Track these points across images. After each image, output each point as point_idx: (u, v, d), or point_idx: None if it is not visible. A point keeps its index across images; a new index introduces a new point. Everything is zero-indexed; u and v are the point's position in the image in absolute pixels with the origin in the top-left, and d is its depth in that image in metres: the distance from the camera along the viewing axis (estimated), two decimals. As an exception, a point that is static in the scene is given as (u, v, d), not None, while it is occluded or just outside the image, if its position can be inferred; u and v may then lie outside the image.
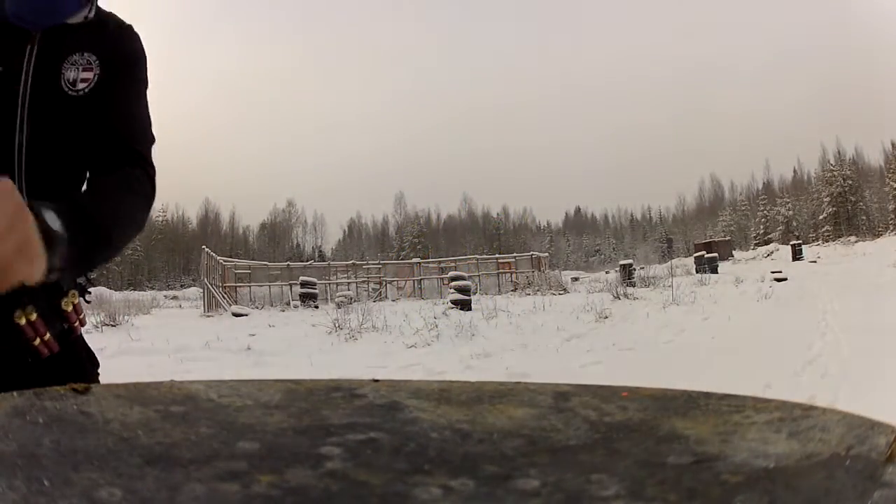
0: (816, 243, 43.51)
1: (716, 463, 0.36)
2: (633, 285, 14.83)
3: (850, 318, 6.92)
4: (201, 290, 16.68)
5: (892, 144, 46.04)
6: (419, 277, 19.70)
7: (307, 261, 30.38)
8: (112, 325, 9.41)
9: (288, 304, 15.74)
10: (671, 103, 71.01)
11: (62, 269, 0.61)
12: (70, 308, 0.81)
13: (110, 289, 28.64)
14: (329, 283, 18.91)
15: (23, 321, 0.73)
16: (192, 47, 78.00)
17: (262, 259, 19.76)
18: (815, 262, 26.59)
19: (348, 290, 17.35)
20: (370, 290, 18.71)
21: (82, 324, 0.84)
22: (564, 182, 68.99)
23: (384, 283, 19.54)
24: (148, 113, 0.91)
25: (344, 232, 60.90)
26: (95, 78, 0.83)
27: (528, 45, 79.09)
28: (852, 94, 56.18)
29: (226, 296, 15.37)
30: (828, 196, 47.60)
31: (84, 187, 0.84)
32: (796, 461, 0.35)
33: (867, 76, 56.24)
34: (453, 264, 20.23)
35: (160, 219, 54.77)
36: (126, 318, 9.99)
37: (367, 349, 6.90)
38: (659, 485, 0.33)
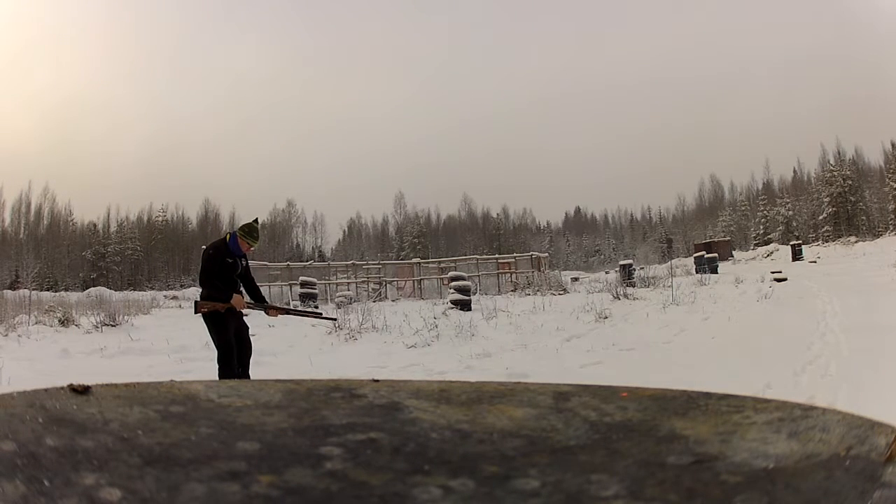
0: (816, 243, 43.43)
1: (715, 463, 0.36)
2: (633, 285, 14.82)
3: (850, 318, 6.92)
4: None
5: (892, 144, 46.01)
6: (419, 277, 19.70)
7: (307, 261, 30.37)
8: (112, 325, 9.39)
9: (288, 304, 15.74)
10: (671, 105, 70.95)
11: (250, 304, 4.39)
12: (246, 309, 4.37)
13: (110, 289, 28.64)
14: (329, 283, 18.92)
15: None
16: (192, 50, 77.98)
17: (261, 259, 19.74)
18: (814, 262, 26.59)
19: (348, 290, 17.35)
20: (370, 290, 18.71)
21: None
22: (564, 182, 68.84)
23: (384, 283, 19.54)
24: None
25: (344, 232, 60.74)
26: (245, 263, 4.38)
27: (528, 46, 79.10)
28: (852, 95, 56.11)
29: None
30: (828, 196, 47.53)
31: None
32: (796, 461, 0.35)
33: (868, 77, 56.18)
34: (453, 264, 20.23)
35: (160, 219, 54.72)
36: (126, 318, 9.96)
37: (367, 349, 6.90)
38: (659, 485, 0.33)
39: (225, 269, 4.22)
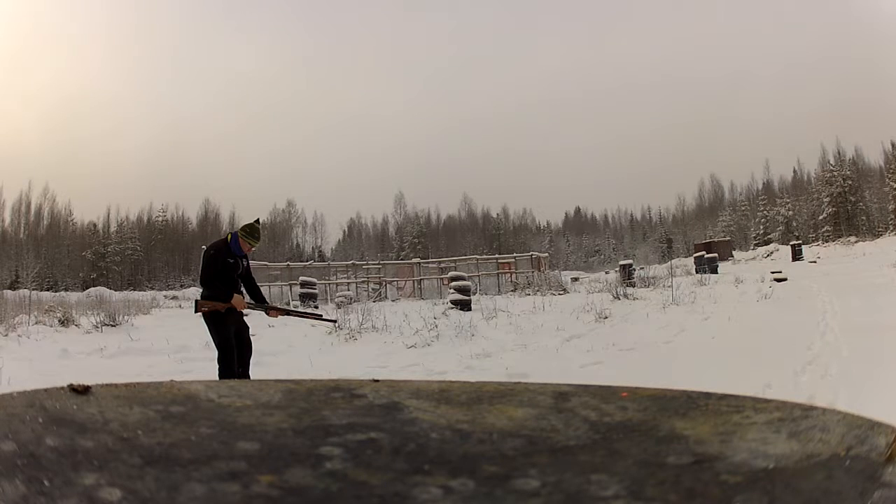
0: (816, 243, 43.41)
1: (715, 463, 0.36)
2: (633, 285, 14.82)
3: (850, 318, 6.92)
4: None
5: (893, 144, 46.00)
6: (419, 277, 19.70)
7: (307, 261, 30.37)
8: (112, 325, 9.38)
9: (288, 304, 15.74)
10: (671, 105, 70.97)
11: (250, 304, 4.39)
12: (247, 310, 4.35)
13: (110, 289, 28.63)
14: (329, 283, 18.92)
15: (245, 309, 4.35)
16: (193, 50, 78.05)
17: (261, 259, 19.72)
18: (814, 262, 26.57)
19: (348, 290, 17.35)
20: (370, 290, 18.71)
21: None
22: (564, 182, 68.87)
23: (384, 283, 19.54)
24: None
25: (344, 232, 60.71)
26: (246, 263, 4.37)
27: (529, 47, 79.18)
28: (852, 95, 56.15)
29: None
30: (828, 196, 47.50)
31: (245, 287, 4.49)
32: (796, 461, 0.36)
33: (868, 77, 56.20)
34: (453, 264, 20.22)
35: (160, 219, 54.71)
36: (126, 318, 9.96)
37: (367, 349, 6.90)
38: (659, 485, 0.33)
39: (226, 270, 4.24)
